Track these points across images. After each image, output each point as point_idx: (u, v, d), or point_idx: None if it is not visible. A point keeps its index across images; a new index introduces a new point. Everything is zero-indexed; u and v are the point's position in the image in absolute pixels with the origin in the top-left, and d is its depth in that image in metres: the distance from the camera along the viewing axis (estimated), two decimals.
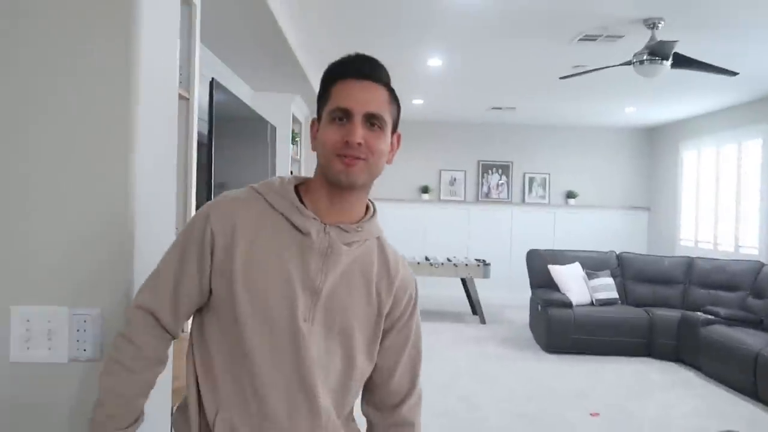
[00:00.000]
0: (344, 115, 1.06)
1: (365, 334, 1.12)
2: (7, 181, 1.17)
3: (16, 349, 1.17)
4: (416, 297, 1.20)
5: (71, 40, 1.18)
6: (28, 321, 1.17)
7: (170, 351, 1.16)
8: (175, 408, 1.16)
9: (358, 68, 1.09)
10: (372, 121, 1.06)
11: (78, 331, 1.18)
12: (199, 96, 2.52)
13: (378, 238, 1.17)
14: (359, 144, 1.04)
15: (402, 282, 1.16)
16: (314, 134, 1.13)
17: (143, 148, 1.23)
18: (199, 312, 1.12)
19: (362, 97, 1.06)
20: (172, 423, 1.13)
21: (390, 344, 1.17)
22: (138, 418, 1.11)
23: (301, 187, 1.14)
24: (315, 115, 1.15)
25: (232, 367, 1.06)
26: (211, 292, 1.08)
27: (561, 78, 4.78)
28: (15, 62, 1.17)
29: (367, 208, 1.17)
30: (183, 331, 1.15)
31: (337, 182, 1.07)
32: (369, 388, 1.20)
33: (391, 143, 1.13)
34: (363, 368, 1.14)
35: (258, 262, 1.05)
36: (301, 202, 1.10)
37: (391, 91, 1.12)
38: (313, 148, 1.13)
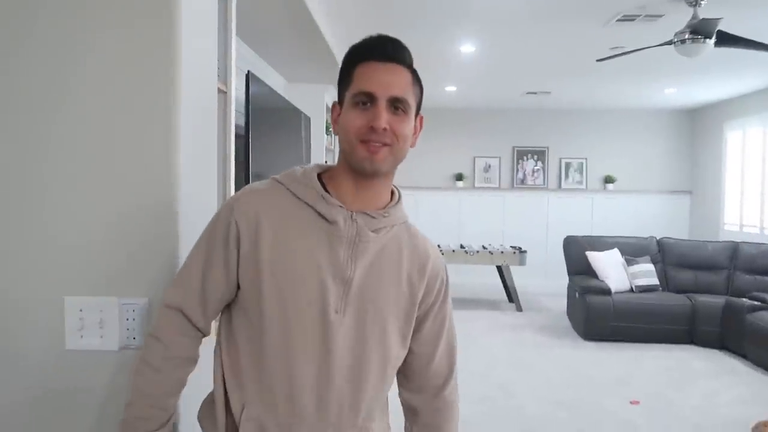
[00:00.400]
0: (368, 99, 1.03)
1: (398, 322, 1.11)
2: (59, 178, 1.22)
3: (71, 338, 1.23)
4: (447, 281, 1.18)
5: (118, 40, 1.21)
6: (81, 311, 1.23)
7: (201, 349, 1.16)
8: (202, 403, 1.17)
9: (382, 50, 1.05)
10: (396, 104, 1.03)
11: (127, 320, 1.23)
12: (235, 88, 2.55)
13: (405, 223, 1.15)
14: (384, 129, 1.02)
15: (433, 268, 1.14)
16: (335, 118, 1.10)
17: (186, 143, 1.26)
18: (228, 307, 1.10)
19: (386, 80, 1.03)
20: (198, 418, 1.14)
21: (427, 331, 1.16)
22: (170, 419, 1.10)
23: (324, 175, 1.12)
24: (336, 99, 1.12)
25: (259, 362, 1.04)
26: (239, 287, 1.07)
27: (598, 60, 4.67)
28: (61, 58, 1.21)
29: (392, 193, 1.15)
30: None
31: (362, 169, 1.05)
32: (407, 375, 1.20)
33: (414, 126, 1.10)
34: (398, 355, 1.13)
35: (285, 253, 1.04)
36: (326, 190, 1.08)
37: (414, 73, 1.09)
38: (336, 132, 1.10)
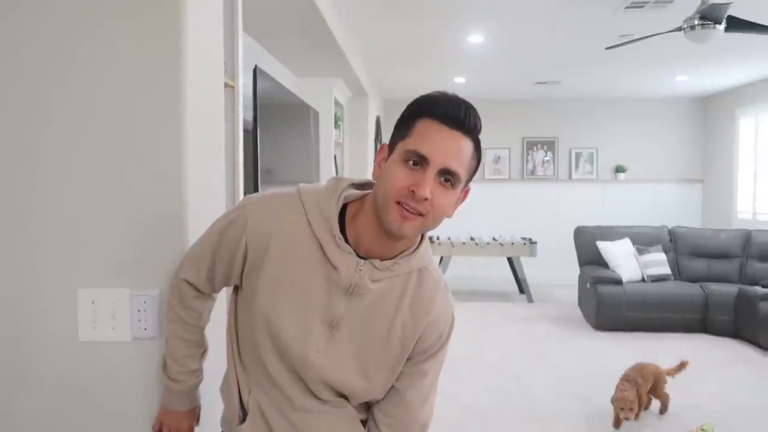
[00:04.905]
0: (419, 161, 0.96)
1: (384, 364, 1.09)
2: (71, 177, 1.25)
3: (84, 329, 1.26)
4: (447, 338, 1.13)
5: (122, 36, 1.23)
6: (93, 303, 1.25)
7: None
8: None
9: (452, 113, 0.97)
10: (447, 176, 0.97)
11: (139, 311, 1.25)
12: (243, 83, 2.56)
13: (420, 270, 1.09)
14: (425, 199, 0.95)
15: (432, 322, 1.09)
16: (380, 161, 1.03)
17: (194, 139, 1.27)
18: (235, 293, 1.14)
19: (446, 147, 0.96)
20: (220, 388, 1.19)
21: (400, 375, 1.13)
22: (204, 351, 1.22)
23: (351, 205, 1.07)
24: (387, 141, 1.05)
25: (255, 362, 1.10)
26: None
27: (607, 48, 4.63)
28: (66, 56, 1.23)
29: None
30: None
31: (388, 231, 0.99)
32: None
33: (458, 196, 1.03)
34: (379, 386, 1.12)
35: (281, 286, 1.04)
36: (344, 224, 1.05)
37: (478, 145, 1.02)
38: (375, 177, 1.03)
